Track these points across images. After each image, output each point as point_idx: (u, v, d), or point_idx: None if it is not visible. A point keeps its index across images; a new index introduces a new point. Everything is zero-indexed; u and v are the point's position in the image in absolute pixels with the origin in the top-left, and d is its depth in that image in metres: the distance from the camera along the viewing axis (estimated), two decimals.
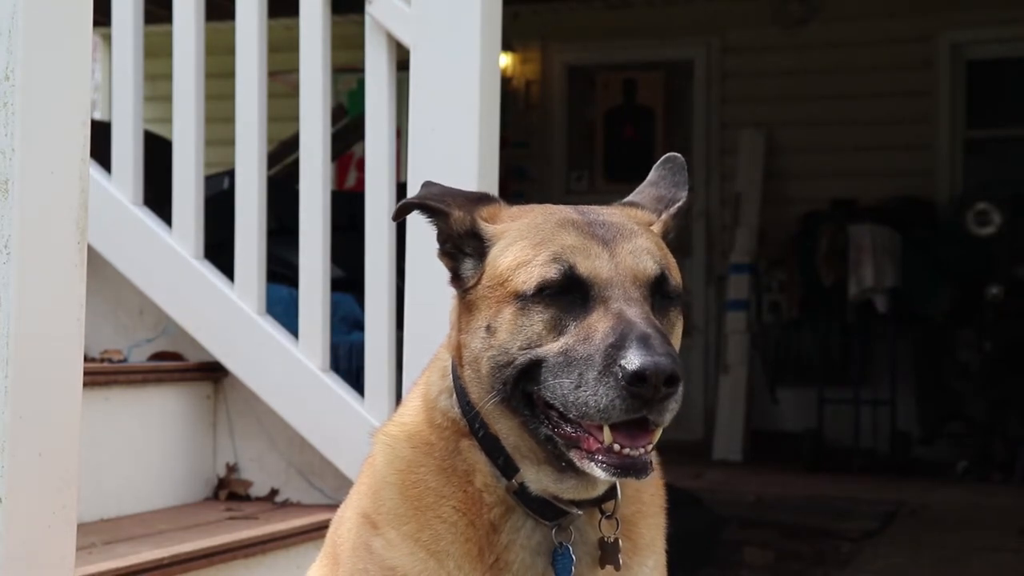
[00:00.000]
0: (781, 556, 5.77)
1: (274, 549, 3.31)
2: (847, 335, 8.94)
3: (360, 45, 3.59)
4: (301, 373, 3.66)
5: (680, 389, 1.61)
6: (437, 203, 1.82)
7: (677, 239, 1.92)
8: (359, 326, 4.12)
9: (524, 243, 1.75)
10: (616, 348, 1.60)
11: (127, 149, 3.88)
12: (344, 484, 3.45)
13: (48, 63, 2.17)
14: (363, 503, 1.85)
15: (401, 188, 3.54)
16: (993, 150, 9.59)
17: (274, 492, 3.80)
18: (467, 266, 1.82)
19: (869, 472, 8.34)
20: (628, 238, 1.74)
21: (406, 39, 3.45)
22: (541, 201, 1.93)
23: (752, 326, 9.25)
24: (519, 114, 10.17)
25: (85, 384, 2.29)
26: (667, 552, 1.91)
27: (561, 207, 1.83)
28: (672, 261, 1.79)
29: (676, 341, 1.74)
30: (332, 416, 3.62)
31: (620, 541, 1.78)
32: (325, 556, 1.99)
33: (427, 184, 1.91)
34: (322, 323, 3.66)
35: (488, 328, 1.73)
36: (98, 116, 10.10)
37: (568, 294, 1.69)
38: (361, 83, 3.97)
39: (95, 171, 3.75)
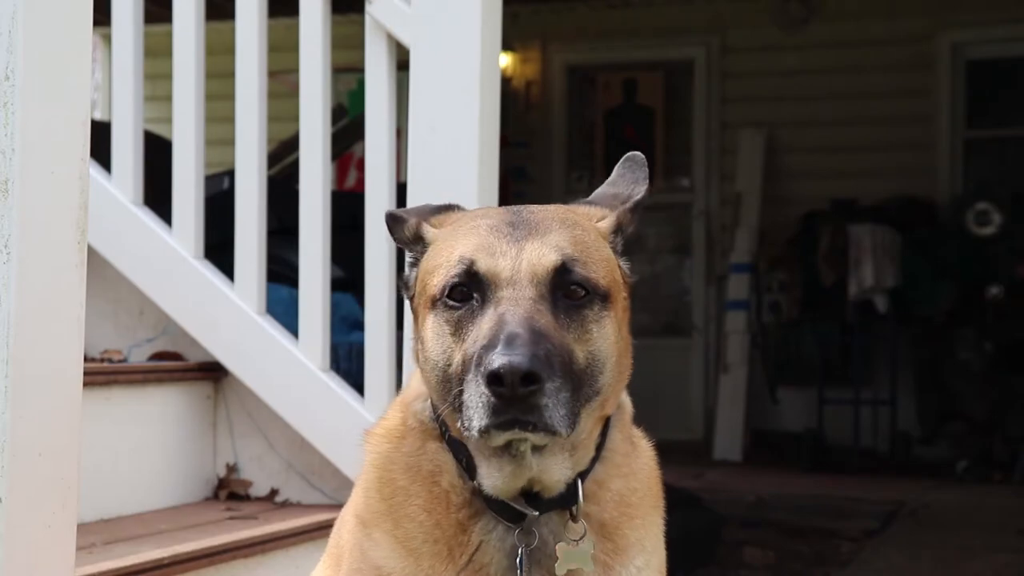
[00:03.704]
0: (781, 556, 5.77)
1: (274, 549, 3.30)
2: (847, 335, 8.94)
3: (360, 45, 3.59)
4: (301, 373, 3.66)
5: (551, 386, 1.55)
6: (400, 212, 1.82)
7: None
8: (359, 326, 4.11)
9: (442, 246, 1.72)
10: (487, 349, 1.56)
11: (127, 149, 3.88)
12: (344, 484, 3.45)
13: (48, 63, 2.16)
14: (356, 503, 1.86)
15: (401, 188, 3.53)
16: (993, 150, 9.59)
17: (274, 492, 3.80)
18: (412, 275, 1.79)
19: (869, 472, 8.33)
20: (542, 234, 1.67)
21: (406, 39, 3.45)
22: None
23: (752, 326, 9.25)
24: (519, 114, 10.17)
25: (85, 384, 2.29)
26: (667, 552, 1.90)
27: (499, 208, 1.79)
28: (598, 256, 1.70)
29: (600, 341, 1.66)
30: (332, 416, 3.61)
31: (595, 543, 1.75)
32: (329, 556, 1.99)
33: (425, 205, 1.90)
34: (322, 323, 3.66)
35: (421, 339, 1.72)
36: (98, 116, 10.10)
37: (470, 298, 1.65)
38: (361, 83, 3.96)
39: (95, 171, 3.75)
